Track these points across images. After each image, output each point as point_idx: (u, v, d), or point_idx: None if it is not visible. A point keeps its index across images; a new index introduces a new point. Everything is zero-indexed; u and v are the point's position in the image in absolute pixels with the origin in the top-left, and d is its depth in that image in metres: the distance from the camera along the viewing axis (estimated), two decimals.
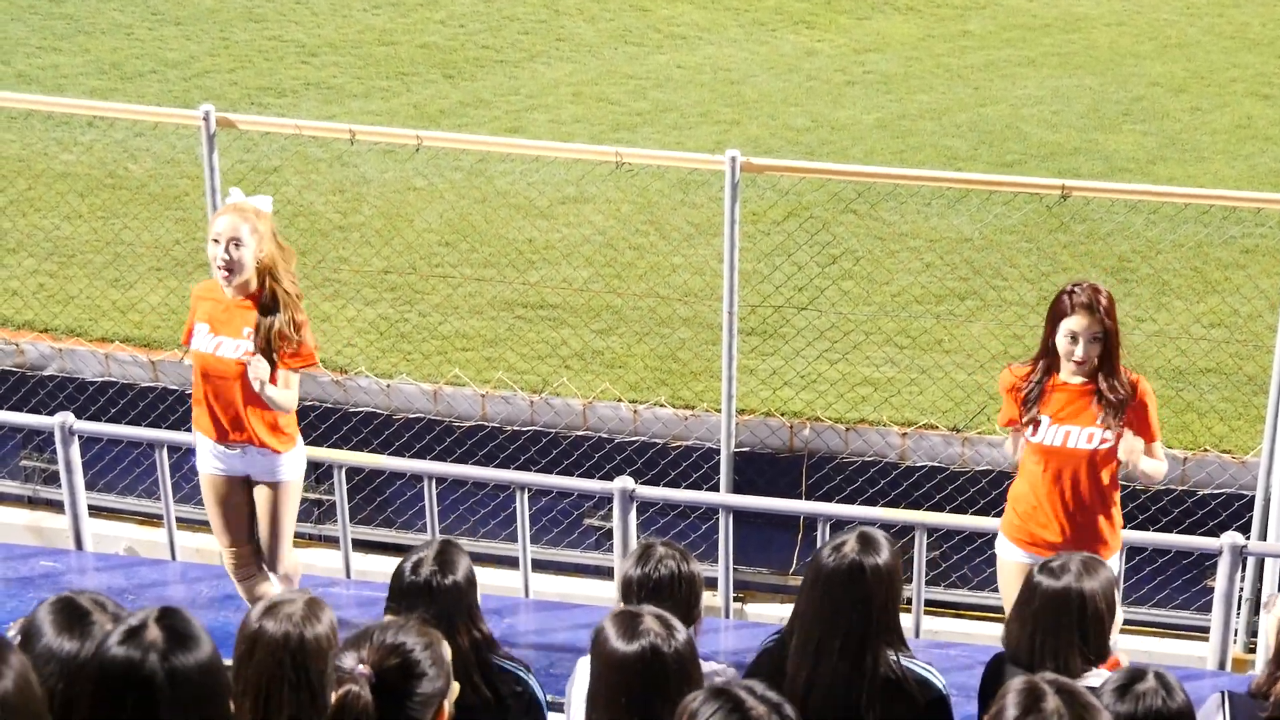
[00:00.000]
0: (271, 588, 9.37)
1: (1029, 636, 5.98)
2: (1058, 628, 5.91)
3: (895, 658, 5.97)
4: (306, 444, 9.70)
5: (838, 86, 20.22)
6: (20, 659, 4.31)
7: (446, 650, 5.02)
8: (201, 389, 9.19)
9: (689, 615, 6.24)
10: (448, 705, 5.00)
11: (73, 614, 5.06)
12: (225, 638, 8.50)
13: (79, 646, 4.89)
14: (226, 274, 8.83)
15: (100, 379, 13.49)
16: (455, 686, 5.15)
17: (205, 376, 9.14)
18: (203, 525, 12.56)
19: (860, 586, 5.91)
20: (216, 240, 8.78)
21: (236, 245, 8.74)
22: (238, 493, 9.38)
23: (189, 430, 12.77)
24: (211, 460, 9.32)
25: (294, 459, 9.29)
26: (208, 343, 9.06)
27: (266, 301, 8.90)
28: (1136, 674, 5.38)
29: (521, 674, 6.26)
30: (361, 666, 4.83)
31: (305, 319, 9.02)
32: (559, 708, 6.61)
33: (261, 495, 9.32)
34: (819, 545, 6.08)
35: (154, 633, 4.61)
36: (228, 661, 4.89)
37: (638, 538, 10.07)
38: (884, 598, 5.95)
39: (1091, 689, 5.18)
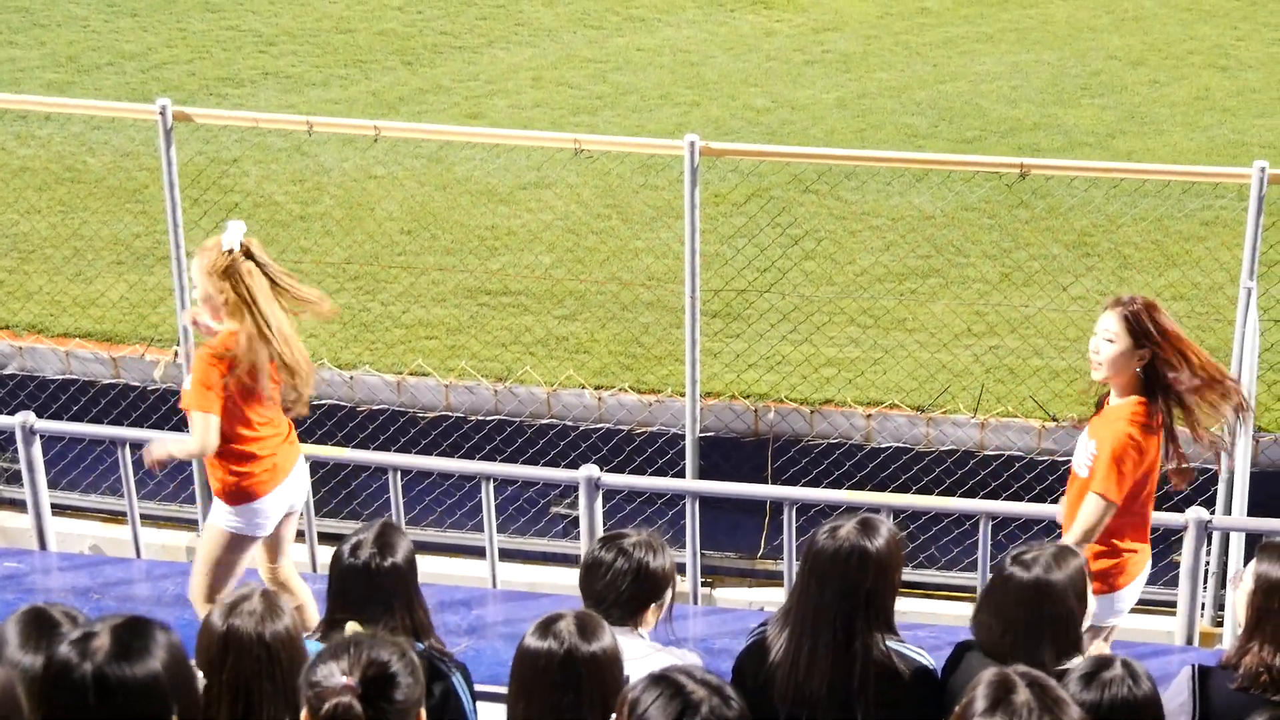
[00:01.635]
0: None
1: (1000, 629, 5.95)
2: (1028, 620, 5.88)
3: (884, 643, 5.96)
4: None
5: (797, 66, 20.21)
6: (3, 671, 4.33)
7: (416, 657, 5.01)
8: None
9: (636, 601, 6.19)
10: (423, 713, 4.99)
11: (43, 625, 5.05)
12: (191, 636, 8.47)
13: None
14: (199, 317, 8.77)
15: (61, 376, 13.44)
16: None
17: None
18: (168, 522, 12.58)
19: (852, 570, 5.89)
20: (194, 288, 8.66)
21: (195, 290, 8.61)
22: None
23: (151, 427, 12.84)
24: None
25: (227, 511, 8.80)
26: None
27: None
28: (1103, 662, 5.37)
29: (445, 668, 6.20)
30: (345, 679, 4.82)
31: (218, 356, 8.58)
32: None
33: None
34: (816, 528, 6.03)
35: (102, 640, 4.63)
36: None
37: (604, 526, 10.06)
38: (877, 584, 5.92)
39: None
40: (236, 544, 8.83)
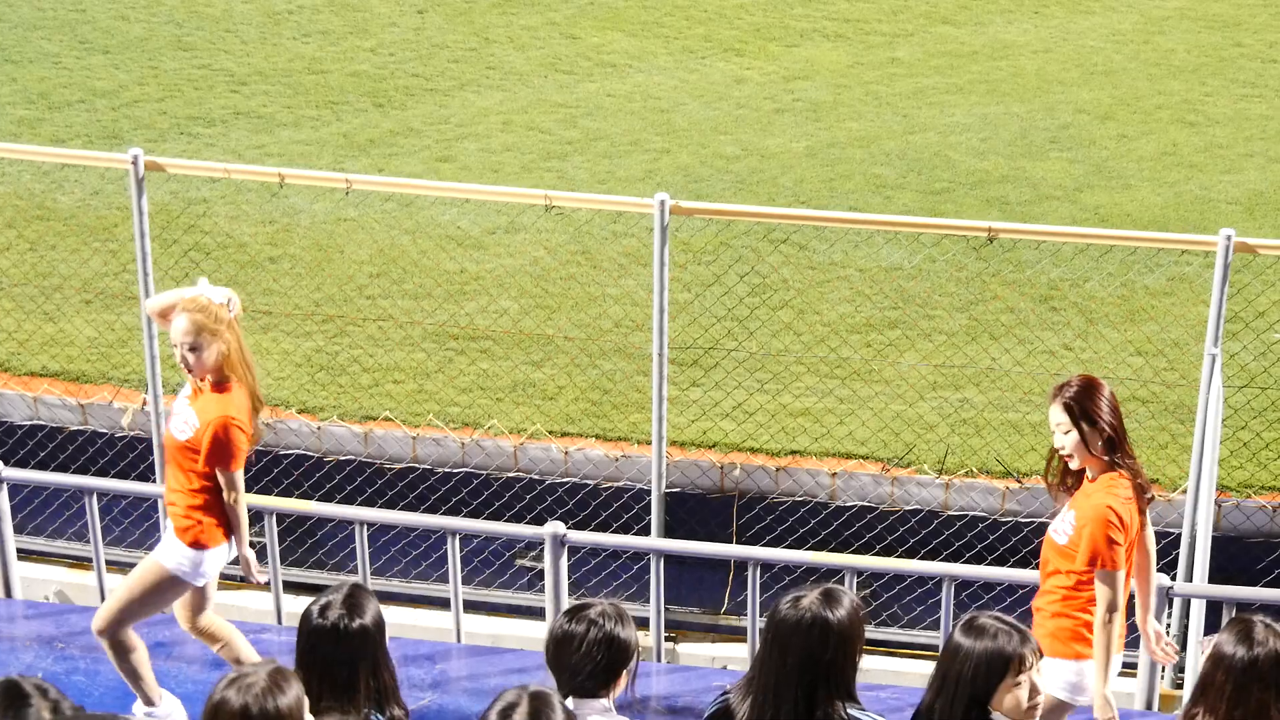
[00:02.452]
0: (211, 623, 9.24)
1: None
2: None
3: (846, 710, 6.01)
4: None
5: (767, 114, 20.29)
6: None
7: None
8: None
9: (604, 675, 6.26)
10: None
11: (14, 697, 5.07)
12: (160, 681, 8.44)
13: None
14: (189, 373, 8.74)
15: (29, 422, 13.43)
16: None
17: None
18: (133, 568, 12.54)
19: (811, 640, 5.96)
20: (174, 345, 8.67)
21: (192, 349, 8.62)
22: None
23: (119, 474, 12.85)
24: None
25: (179, 552, 8.83)
26: (175, 406, 8.93)
27: (221, 392, 8.73)
28: None
29: None
30: None
31: (243, 421, 8.75)
32: None
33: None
34: (780, 598, 6.10)
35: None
36: None
37: (570, 580, 10.10)
38: (837, 654, 5.99)
39: None
40: (172, 585, 8.87)
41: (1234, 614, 9.24)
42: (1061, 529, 8.15)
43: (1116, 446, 8.06)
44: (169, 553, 8.82)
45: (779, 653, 6.02)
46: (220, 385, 8.64)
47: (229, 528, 8.82)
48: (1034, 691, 6.05)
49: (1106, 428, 8.01)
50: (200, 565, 8.81)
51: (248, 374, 8.70)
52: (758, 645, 6.30)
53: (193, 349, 8.54)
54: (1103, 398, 8.05)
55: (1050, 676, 7.89)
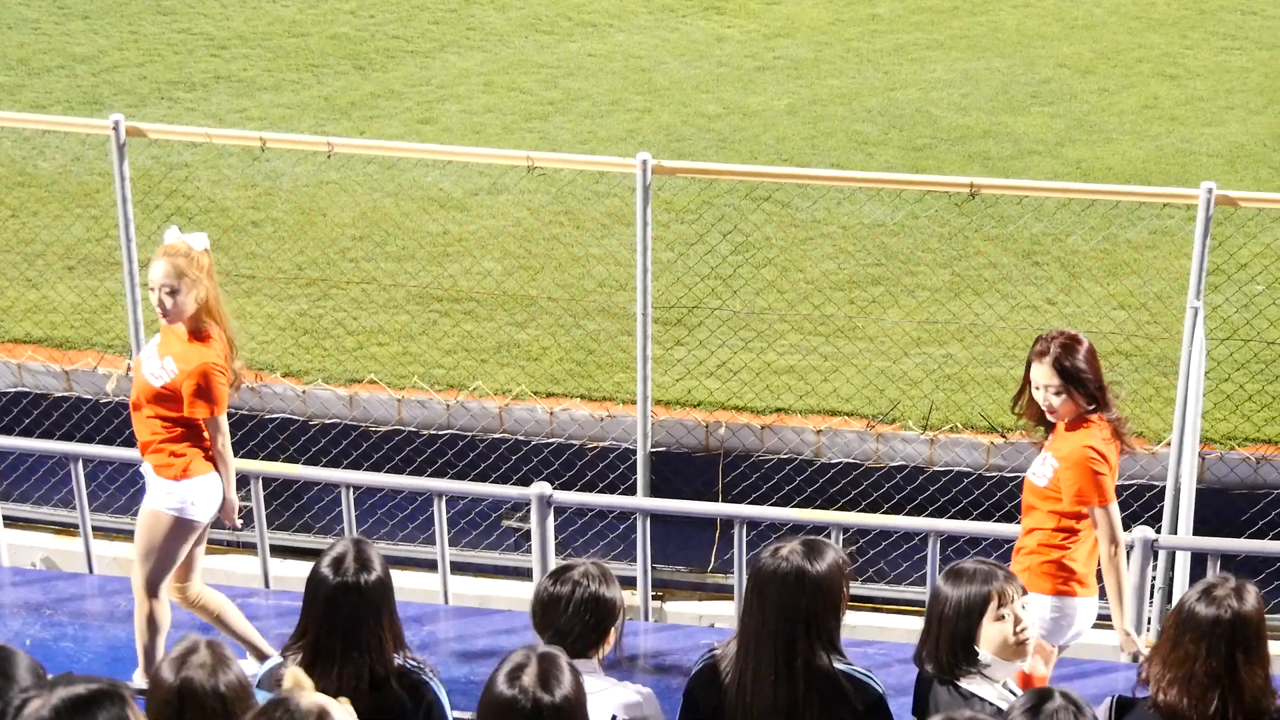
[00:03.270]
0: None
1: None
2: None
3: (830, 662, 6.03)
4: None
5: (748, 72, 20.27)
6: None
7: (351, 710, 5.06)
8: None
9: (593, 635, 6.30)
10: None
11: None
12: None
13: None
14: (164, 319, 8.72)
15: (13, 389, 13.42)
16: None
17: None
18: (119, 535, 12.58)
19: (789, 590, 5.97)
20: (151, 288, 8.66)
21: (171, 293, 8.61)
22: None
23: (104, 440, 12.85)
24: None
25: (168, 491, 8.82)
26: (143, 356, 8.92)
27: (200, 340, 8.73)
28: (1044, 695, 5.44)
29: (427, 677, 6.28)
30: None
31: (224, 367, 8.80)
32: None
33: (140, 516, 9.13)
34: (760, 548, 6.12)
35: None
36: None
37: (556, 541, 10.12)
38: (814, 604, 5.99)
39: (999, 710, 5.24)
40: (176, 527, 8.81)
41: (1218, 565, 9.31)
42: (1041, 472, 8.28)
43: (1099, 402, 8.15)
44: (159, 497, 8.78)
45: (759, 603, 6.05)
46: (198, 333, 8.64)
47: (214, 462, 8.84)
48: (1019, 623, 6.09)
49: (1093, 388, 8.12)
50: (191, 496, 8.77)
51: (225, 320, 8.74)
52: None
53: (171, 293, 8.54)
54: (1089, 358, 8.16)
55: (1039, 608, 7.98)
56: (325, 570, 6.16)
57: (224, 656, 5.36)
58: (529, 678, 5.41)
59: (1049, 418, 8.25)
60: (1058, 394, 8.10)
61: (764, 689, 6.01)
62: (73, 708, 4.35)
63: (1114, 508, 8.14)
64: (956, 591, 6.10)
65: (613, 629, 6.39)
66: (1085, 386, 8.10)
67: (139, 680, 9.06)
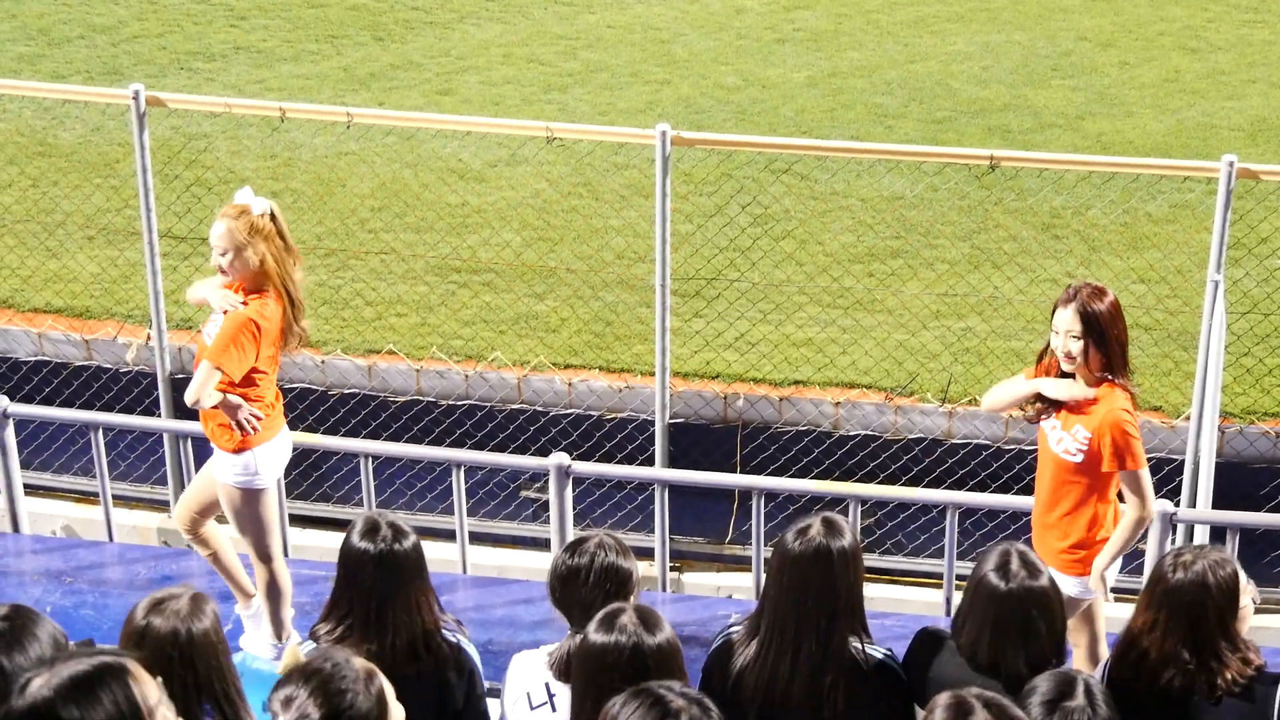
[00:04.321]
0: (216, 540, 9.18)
1: (976, 633, 6.03)
2: (1011, 626, 5.99)
3: (859, 643, 6.03)
4: None
5: (768, 44, 20.24)
6: None
7: (382, 685, 5.05)
8: None
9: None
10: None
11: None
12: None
13: None
14: (223, 275, 8.66)
15: (34, 358, 13.45)
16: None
17: None
18: (139, 503, 12.62)
19: (827, 569, 5.96)
20: (212, 249, 8.61)
21: (225, 254, 8.56)
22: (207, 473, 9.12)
23: (124, 409, 12.88)
24: None
25: (230, 463, 8.72)
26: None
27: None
28: (1066, 688, 5.38)
29: (463, 642, 6.33)
30: None
31: (256, 324, 8.71)
32: (495, 693, 6.65)
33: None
34: (785, 529, 6.10)
35: None
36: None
37: (574, 511, 10.13)
38: (849, 579, 6.01)
39: (1015, 699, 5.22)
40: (246, 498, 8.77)
41: (1236, 539, 9.30)
42: (1073, 449, 8.10)
43: (1117, 366, 8.03)
44: (223, 470, 8.76)
45: (785, 585, 6.02)
46: (255, 294, 8.58)
47: (269, 425, 8.73)
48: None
49: (1114, 344, 7.96)
50: (255, 467, 8.73)
51: (286, 284, 8.62)
52: (763, 576, 6.31)
53: (225, 254, 8.50)
54: (1114, 311, 7.97)
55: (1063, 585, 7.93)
56: (362, 543, 6.17)
57: (200, 609, 5.36)
58: (629, 620, 5.42)
59: (1065, 367, 8.05)
60: (1078, 339, 7.91)
61: (786, 671, 6.01)
62: (74, 687, 4.22)
63: (1147, 473, 8.06)
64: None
65: (631, 598, 6.40)
66: (1106, 340, 7.93)
67: (267, 649, 9.07)
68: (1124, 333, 8.05)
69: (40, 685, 4.18)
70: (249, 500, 8.79)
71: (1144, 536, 9.60)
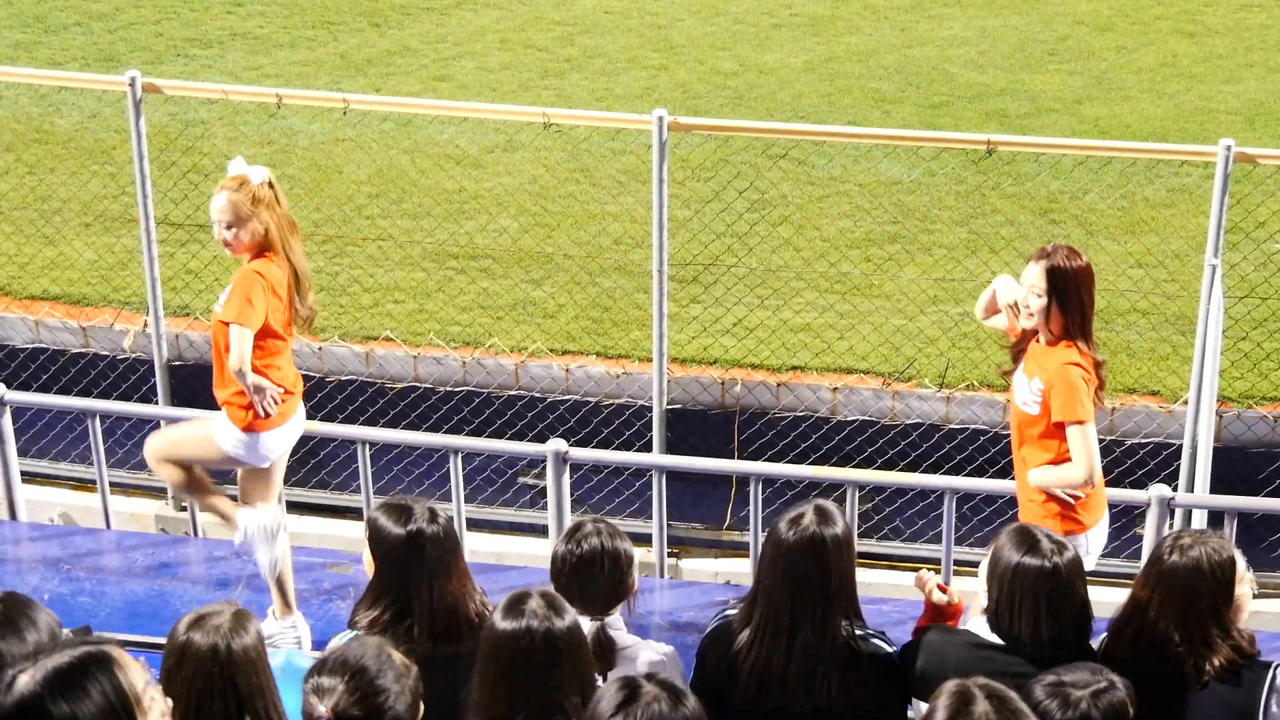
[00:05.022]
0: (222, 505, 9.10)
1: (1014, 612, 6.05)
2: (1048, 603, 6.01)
3: (852, 629, 6.04)
4: None
5: (764, 30, 20.22)
6: None
7: (418, 682, 5.06)
8: None
9: (618, 590, 6.31)
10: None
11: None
12: (160, 606, 8.53)
13: None
14: (229, 250, 8.62)
15: (30, 345, 13.44)
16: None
17: None
18: (136, 490, 12.61)
19: (821, 557, 5.97)
20: (214, 222, 8.56)
21: (227, 226, 8.52)
22: None
23: (120, 396, 12.87)
24: None
25: (233, 435, 8.64)
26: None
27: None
28: (1075, 676, 5.39)
29: None
30: (325, 710, 4.87)
31: (268, 283, 8.66)
32: None
33: None
34: (778, 517, 6.10)
35: None
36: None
37: (572, 498, 10.12)
38: (843, 566, 6.02)
39: (1019, 684, 5.21)
40: (233, 462, 8.73)
41: (1234, 524, 9.28)
42: (1029, 399, 8.05)
43: (1074, 334, 7.97)
44: (224, 435, 8.68)
45: (779, 572, 6.03)
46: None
47: (282, 411, 8.64)
48: None
49: (1075, 310, 7.92)
50: (256, 447, 8.68)
51: (289, 253, 8.57)
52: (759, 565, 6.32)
53: (228, 226, 8.46)
54: (1083, 276, 7.92)
55: None
56: (397, 529, 6.14)
57: (242, 625, 5.30)
58: (537, 605, 5.42)
59: (1023, 322, 8.01)
60: (1040, 296, 7.86)
61: (781, 657, 6.02)
62: (60, 680, 4.20)
63: (1091, 431, 7.92)
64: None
65: (633, 580, 6.41)
66: (1069, 303, 7.87)
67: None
68: (1090, 303, 8.01)
69: (26, 681, 4.15)
70: (252, 472, 8.78)
71: (1141, 520, 9.63)
